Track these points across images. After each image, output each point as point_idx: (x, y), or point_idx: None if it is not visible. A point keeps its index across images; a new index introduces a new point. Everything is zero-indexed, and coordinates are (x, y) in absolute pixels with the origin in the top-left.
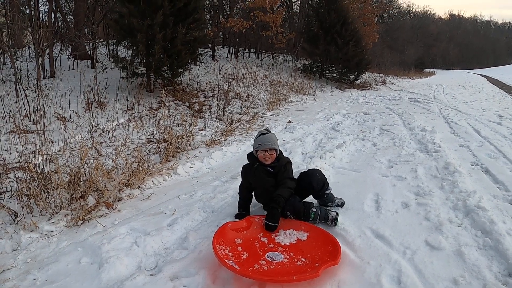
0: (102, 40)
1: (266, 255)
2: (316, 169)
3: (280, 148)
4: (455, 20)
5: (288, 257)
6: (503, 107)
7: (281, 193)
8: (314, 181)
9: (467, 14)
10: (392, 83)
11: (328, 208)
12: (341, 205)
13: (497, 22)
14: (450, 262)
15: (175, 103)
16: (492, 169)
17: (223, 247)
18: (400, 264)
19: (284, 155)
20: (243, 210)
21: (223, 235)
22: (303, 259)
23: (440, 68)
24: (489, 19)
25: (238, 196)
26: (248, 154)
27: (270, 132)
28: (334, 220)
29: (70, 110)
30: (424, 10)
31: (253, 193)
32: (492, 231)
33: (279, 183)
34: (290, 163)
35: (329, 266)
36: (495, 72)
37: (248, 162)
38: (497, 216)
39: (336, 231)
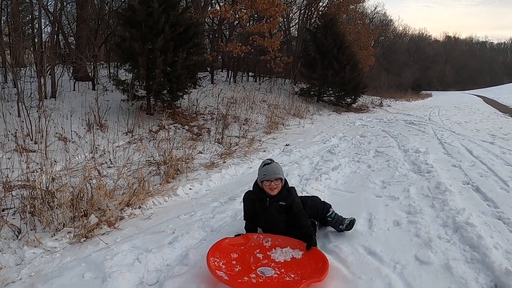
0: (103, 62)
1: (258, 269)
2: (309, 196)
3: None
4: (451, 42)
5: (279, 272)
6: (497, 127)
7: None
8: (307, 207)
9: (463, 35)
10: (389, 105)
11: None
12: (352, 224)
13: (492, 42)
14: (439, 275)
15: (174, 126)
16: (483, 187)
17: (217, 260)
18: (390, 278)
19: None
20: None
21: (220, 249)
22: (292, 275)
23: (437, 89)
24: (484, 40)
25: (243, 220)
26: (254, 184)
27: (274, 161)
28: (350, 225)
29: (71, 131)
30: (420, 32)
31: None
32: (479, 246)
33: (295, 219)
34: (295, 190)
35: (312, 283)
36: (491, 92)
37: (252, 190)
38: (485, 231)
39: (329, 248)
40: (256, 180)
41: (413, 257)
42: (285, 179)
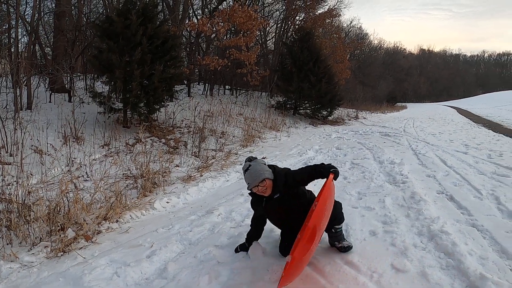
0: (80, 74)
1: None
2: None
3: None
4: (425, 55)
5: None
6: (471, 137)
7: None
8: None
9: (437, 48)
10: (365, 118)
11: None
12: (347, 248)
13: (465, 55)
14: (415, 282)
15: (151, 139)
16: (457, 196)
17: None
18: (368, 286)
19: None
20: (248, 242)
21: None
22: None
23: (412, 101)
24: (458, 53)
25: (250, 228)
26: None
27: (253, 161)
28: (346, 248)
29: (47, 143)
30: (395, 46)
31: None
32: (454, 252)
33: (303, 181)
34: (287, 170)
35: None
36: (465, 103)
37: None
38: (460, 238)
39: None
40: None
41: (389, 265)
42: (272, 169)
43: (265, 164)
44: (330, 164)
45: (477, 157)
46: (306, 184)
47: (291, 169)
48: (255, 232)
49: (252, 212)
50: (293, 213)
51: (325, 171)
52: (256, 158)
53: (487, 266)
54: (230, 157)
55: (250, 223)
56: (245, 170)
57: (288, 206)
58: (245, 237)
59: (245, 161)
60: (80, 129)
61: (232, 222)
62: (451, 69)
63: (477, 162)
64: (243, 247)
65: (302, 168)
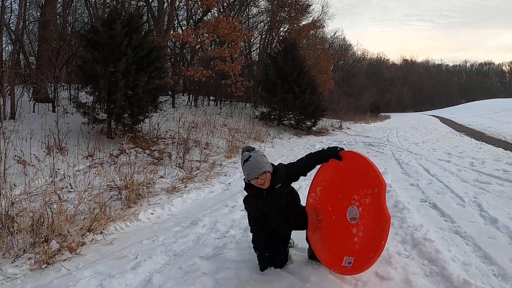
0: (64, 84)
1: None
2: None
3: (238, 194)
4: (408, 65)
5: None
6: (453, 145)
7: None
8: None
9: (419, 58)
10: (349, 128)
11: None
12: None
13: (448, 64)
14: None
15: (135, 150)
16: (440, 204)
17: None
18: None
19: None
20: (260, 250)
21: None
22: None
23: (395, 111)
24: (440, 63)
25: (252, 240)
26: (245, 185)
27: (253, 152)
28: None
29: (30, 154)
30: (378, 56)
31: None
32: (438, 259)
33: (304, 170)
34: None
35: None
36: (447, 112)
37: (247, 193)
38: (443, 245)
39: (291, 269)
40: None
41: (373, 274)
42: (271, 163)
43: (265, 156)
44: (334, 146)
45: (460, 165)
46: (309, 171)
47: None
48: (259, 235)
49: (238, 221)
50: (293, 207)
51: (333, 152)
52: (255, 149)
53: (470, 272)
54: (215, 168)
55: (237, 232)
56: (245, 161)
57: (291, 197)
58: (253, 248)
59: (243, 151)
60: (64, 139)
61: (217, 233)
62: (433, 79)
63: (460, 170)
64: (265, 261)
65: (302, 158)
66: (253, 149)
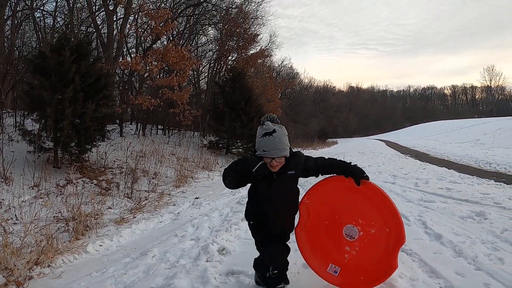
0: (9, 110)
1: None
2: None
3: (188, 223)
4: (354, 92)
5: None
6: (398, 167)
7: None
8: None
9: (365, 85)
10: None
11: None
12: None
13: (392, 90)
14: None
15: (82, 181)
16: None
17: None
18: None
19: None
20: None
21: None
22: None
23: (342, 136)
24: (385, 88)
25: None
26: (250, 157)
27: (277, 126)
28: None
29: None
30: (325, 84)
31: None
32: None
33: (324, 171)
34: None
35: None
36: (393, 135)
37: (254, 165)
38: None
39: None
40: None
41: None
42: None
43: (287, 136)
44: (361, 169)
45: (405, 186)
46: (324, 173)
47: None
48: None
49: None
50: (293, 198)
51: (357, 174)
52: (279, 122)
53: (417, 286)
54: (163, 198)
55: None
56: (267, 133)
57: (296, 193)
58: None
59: (266, 119)
60: (8, 168)
61: (167, 263)
62: (379, 104)
63: (405, 191)
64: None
65: (324, 159)
66: (278, 122)
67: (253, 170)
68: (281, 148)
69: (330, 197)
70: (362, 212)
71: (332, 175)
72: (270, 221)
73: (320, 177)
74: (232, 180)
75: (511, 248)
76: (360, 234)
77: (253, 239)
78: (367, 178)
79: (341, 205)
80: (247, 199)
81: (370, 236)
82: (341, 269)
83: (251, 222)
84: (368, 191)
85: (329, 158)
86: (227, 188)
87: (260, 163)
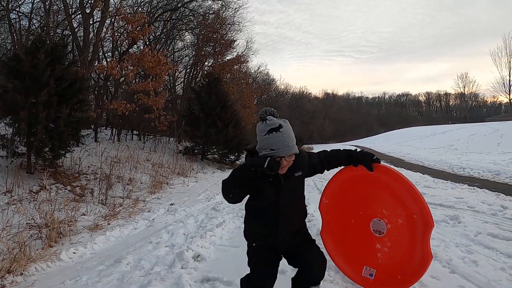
0: None
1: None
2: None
3: (163, 230)
4: (329, 98)
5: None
6: None
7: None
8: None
9: (340, 92)
10: None
11: None
12: None
13: (367, 97)
14: None
15: (56, 186)
16: None
17: None
18: None
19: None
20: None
21: None
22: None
23: (318, 143)
24: (360, 95)
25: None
26: (255, 158)
27: (283, 121)
28: None
29: None
30: (301, 90)
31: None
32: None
33: (331, 165)
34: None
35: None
36: (368, 141)
37: (257, 166)
38: None
39: None
40: (256, 148)
41: None
42: None
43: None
44: (369, 153)
45: None
46: (329, 168)
47: None
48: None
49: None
50: (301, 204)
51: (366, 160)
52: (278, 116)
53: None
54: (138, 204)
55: (162, 268)
56: (273, 130)
57: (303, 191)
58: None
59: (267, 114)
60: None
61: (141, 270)
62: (354, 111)
63: None
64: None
65: (326, 151)
66: (278, 116)
67: (265, 167)
68: (291, 145)
69: (347, 192)
70: (384, 201)
71: (340, 167)
72: (280, 236)
73: (331, 172)
74: (237, 192)
75: (485, 251)
76: (388, 227)
77: (228, 246)
78: (378, 160)
79: (361, 198)
80: (244, 216)
81: (399, 227)
82: (376, 270)
83: (254, 244)
84: (383, 176)
85: (331, 150)
86: (202, 194)
87: (268, 159)
